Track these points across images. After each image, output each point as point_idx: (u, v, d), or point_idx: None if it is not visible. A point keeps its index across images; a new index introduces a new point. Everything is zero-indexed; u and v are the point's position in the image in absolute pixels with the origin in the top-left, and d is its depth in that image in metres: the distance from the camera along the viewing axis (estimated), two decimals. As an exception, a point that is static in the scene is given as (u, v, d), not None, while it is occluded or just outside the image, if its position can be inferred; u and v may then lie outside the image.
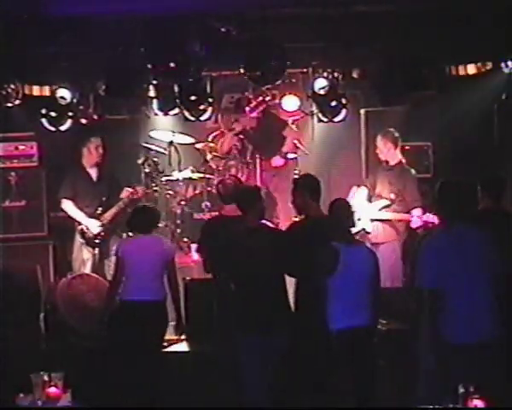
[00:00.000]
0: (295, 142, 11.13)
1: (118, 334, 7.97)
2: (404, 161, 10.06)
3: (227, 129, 10.90)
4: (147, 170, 10.66)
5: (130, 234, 8.70)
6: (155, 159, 10.78)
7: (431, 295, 6.38)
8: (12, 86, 9.95)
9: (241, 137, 10.86)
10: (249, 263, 7.22)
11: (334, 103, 10.16)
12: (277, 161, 10.97)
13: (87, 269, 9.87)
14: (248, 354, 7.16)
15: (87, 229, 9.99)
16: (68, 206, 10.07)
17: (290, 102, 10.62)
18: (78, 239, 10.03)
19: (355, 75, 10.16)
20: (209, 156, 10.79)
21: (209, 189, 10.50)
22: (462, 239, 6.45)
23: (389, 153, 10.00)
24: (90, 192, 10.18)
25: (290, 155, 11.07)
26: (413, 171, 10.02)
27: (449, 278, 6.37)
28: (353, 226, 7.23)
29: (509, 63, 9.83)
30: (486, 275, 6.42)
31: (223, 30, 9.51)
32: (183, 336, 8.79)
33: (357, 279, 6.89)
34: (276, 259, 7.22)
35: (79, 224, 10.05)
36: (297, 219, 8.05)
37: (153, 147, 10.87)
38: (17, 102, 10.05)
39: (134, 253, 8.04)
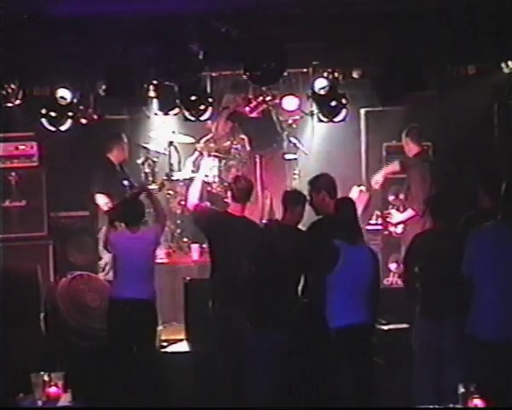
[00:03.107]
0: (295, 141, 11.13)
1: (110, 333, 7.96)
2: (419, 154, 9.92)
3: (218, 110, 10.79)
4: (147, 170, 10.67)
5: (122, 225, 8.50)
6: (155, 159, 10.79)
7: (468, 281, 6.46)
8: (12, 86, 9.96)
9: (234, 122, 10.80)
10: (276, 260, 7.25)
11: (334, 103, 10.16)
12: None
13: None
14: (257, 348, 7.18)
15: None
16: (103, 200, 9.95)
17: (290, 102, 10.62)
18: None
19: (355, 75, 10.16)
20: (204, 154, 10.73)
21: (209, 189, 10.50)
22: (502, 238, 6.51)
23: (407, 147, 9.96)
24: (118, 188, 10.11)
25: (289, 156, 11.07)
26: (418, 167, 9.84)
27: (482, 272, 6.44)
28: (357, 225, 7.23)
29: (509, 63, 9.84)
30: None
31: (223, 30, 9.51)
32: (181, 337, 8.83)
33: (356, 278, 6.90)
34: (301, 258, 7.27)
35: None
36: (319, 218, 8.00)
37: (152, 147, 10.88)
38: (17, 102, 10.05)
39: (124, 247, 7.96)
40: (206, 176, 10.11)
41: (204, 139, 10.78)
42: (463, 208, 7.54)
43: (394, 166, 10.19)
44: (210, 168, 9.88)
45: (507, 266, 6.47)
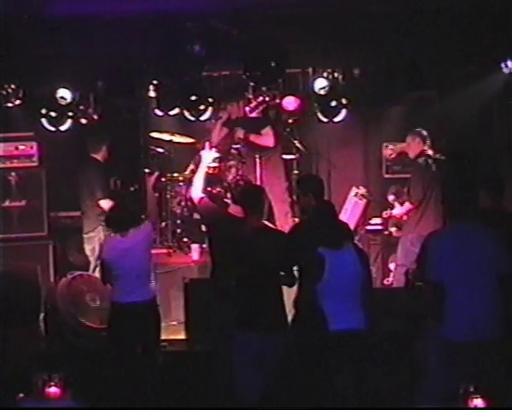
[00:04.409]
0: (295, 141, 11.13)
1: (111, 337, 7.93)
2: (421, 154, 9.89)
3: (214, 119, 10.76)
4: (146, 170, 10.66)
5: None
6: (155, 159, 10.79)
7: (434, 289, 6.43)
8: (12, 86, 9.97)
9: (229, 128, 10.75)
10: (254, 262, 7.20)
11: (334, 103, 10.17)
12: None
13: None
14: (241, 352, 7.15)
15: None
16: (108, 204, 9.83)
17: (290, 102, 10.61)
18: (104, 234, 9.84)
19: (355, 75, 10.17)
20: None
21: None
22: (467, 238, 6.49)
23: (410, 148, 9.92)
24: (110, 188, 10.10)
25: (288, 156, 11.07)
26: (417, 166, 9.79)
27: (451, 275, 6.42)
28: (339, 228, 7.16)
29: (509, 63, 9.84)
30: (491, 275, 6.44)
31: (223, 30, 9.52)
32: (181, 337, 8.81)
33: (345, 282, 6.81)
34: (280, 259, 7.20)
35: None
36: (299, 221, 8.01)
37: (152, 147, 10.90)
38: (17, 102, 10.06)
39: (117, 253, 7.88)
40: (208, 167, 10.09)
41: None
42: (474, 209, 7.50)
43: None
44: (211, 160, 9.82)
45: (475, 266, 6.44)
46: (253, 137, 10.44)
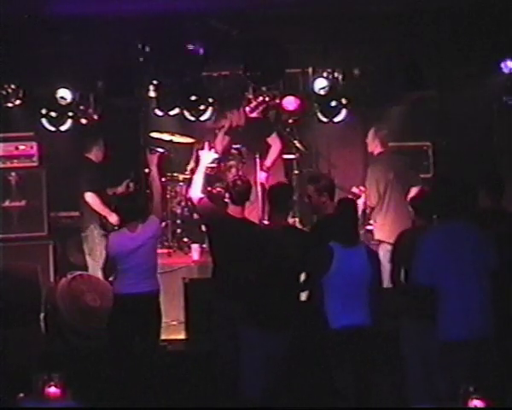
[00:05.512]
0: (295, 141, 11.13)
1: (112, 329, 7.92)
2: (381, 155, 9.72)
3: (217, 127, 10.75)
4: (146, 170, 10.66)
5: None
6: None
7: (426, 291, 6.43)
8: (12, 86, 9.97)
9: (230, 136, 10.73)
10: (277, 260, 7.19)
11: (334, 103, 10.18)
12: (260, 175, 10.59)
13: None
14: (249, 350, 7.15)
15: (106, 219, 9.81)
16: (92, 198, 9.86)
17: (290, 102, 10.62)
18: (99, 232, 9.84)
19: (355, 75, 10.17)
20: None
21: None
22: (456, 237, 6.49)
23: (373, 144, 9.77)
24: (103, 185, 10.09)
25: (288, 156, 11.06)
26: (372, 167, 9.67)
27: (443, 275, 6.42)
28: (356, 226, 7.19)
29: (509, 63, 9.85)
30: (481, 273, 6.45)
31: (223, 30, 9.52)
32: (181, 337, 8.81)
33: (352, 279, 6.85)
34: (304, 258, 7.20)
35: (99, 215, 9.88)
36: (319, 219, 7.97)
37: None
38: (17, 102, 10.06)
39: (126, 248, 7.87)
40: (208, 168, 10.07)
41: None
42: (462, 208, 7.51)
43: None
44: (211, 160, 9.80)
45: (467, 263, 6.45)
46: (270, 162, 10.40)
